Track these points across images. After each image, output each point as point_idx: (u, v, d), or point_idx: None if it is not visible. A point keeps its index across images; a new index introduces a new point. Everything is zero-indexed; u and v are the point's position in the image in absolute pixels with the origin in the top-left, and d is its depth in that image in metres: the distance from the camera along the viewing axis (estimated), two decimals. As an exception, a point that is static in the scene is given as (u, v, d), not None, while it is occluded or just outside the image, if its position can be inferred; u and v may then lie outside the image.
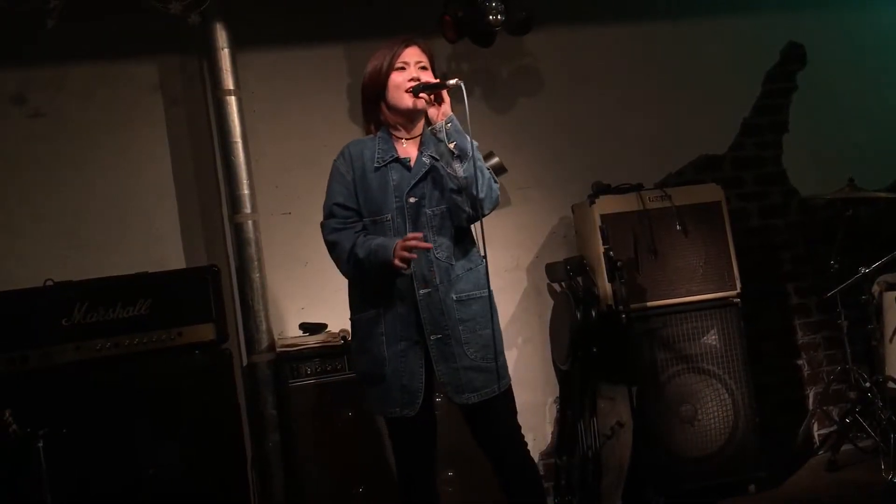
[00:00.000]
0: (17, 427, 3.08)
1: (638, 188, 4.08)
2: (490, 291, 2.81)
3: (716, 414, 3.96)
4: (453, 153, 2.67)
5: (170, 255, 3.93)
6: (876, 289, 4.12)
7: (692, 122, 4.59)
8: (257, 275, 3.84)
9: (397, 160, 2.78)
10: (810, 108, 4.78)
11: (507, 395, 2.82)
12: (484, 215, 2.73)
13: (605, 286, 3.88)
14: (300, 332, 3.92)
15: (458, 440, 3.03)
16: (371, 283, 2.77)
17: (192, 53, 4.03)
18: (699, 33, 4.64)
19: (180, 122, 4.05)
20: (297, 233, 4.10)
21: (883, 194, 4.39)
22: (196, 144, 4.06)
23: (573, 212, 4.28)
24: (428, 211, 2.76)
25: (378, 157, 2.79)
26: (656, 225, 3.99)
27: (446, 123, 2.69)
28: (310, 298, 4.07)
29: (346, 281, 4.16)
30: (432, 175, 2.77)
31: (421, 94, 2.73)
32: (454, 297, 2.74)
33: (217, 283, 3.59)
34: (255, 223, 3.88)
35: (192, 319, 3.52)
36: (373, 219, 2.77)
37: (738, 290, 4.03)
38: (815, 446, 4.48)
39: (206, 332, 3.53)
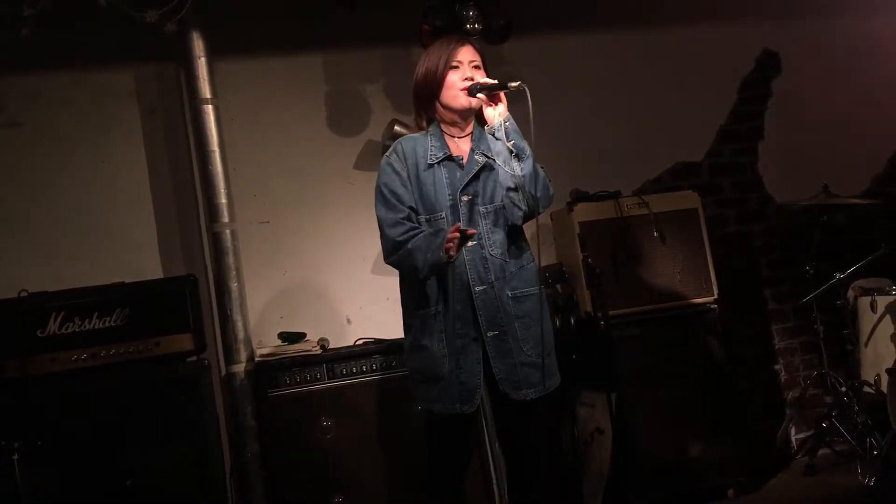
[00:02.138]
0: (-8, 440, 3.05)
1: (616, 195, 4.10)
2: (542, 290, 2.85)
3: (694, 419, 3.97)
4: (512, 151, 2.70)
5: (147, 264, 3.90)
6: (851, 294, 4.17)
7: (669, 130, 4.62)
8: (235, 284, 3.82)
9: (450, 158, 2.80)
10: (785, 115, 4.83)
11: (554, 395, 2.83)
12: (539, 213, 2.76)
13: (583, 293, 3.89)
14: (279, 342, 3.90)
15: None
16: (425, 278, 2.73)
17: (169, 62, 4.01)
18: (675, 41, 4.67)
19: (157, 131, 4.03)
20: (275, 242, 4.08)
21: (857, 200, 4.44)
22: (173, 153, 4.04)
23: (552, 219, 4.29)
24: (481, 208, 2.77)
25: (431, 155, 2.80)
26: (634, 232, 4.01)
27: (505, 122, 2.71)
28: (289, 307, 4.06)
29: (324, 290, 4.17)
30: (485, 173, 2.79)
31: (478, 94, 2.75)
32: (509, 294, 2.76)
33: (195, 292, 3.57)
34: (233, 232, 3.86)
35: (170, 329, 3.49)
36: (427, 217, 2.77)
37: (716, 296, 4.06)
38: (793, 451, 4.52)
39: (183, 342, 3.51)
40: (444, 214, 2.76)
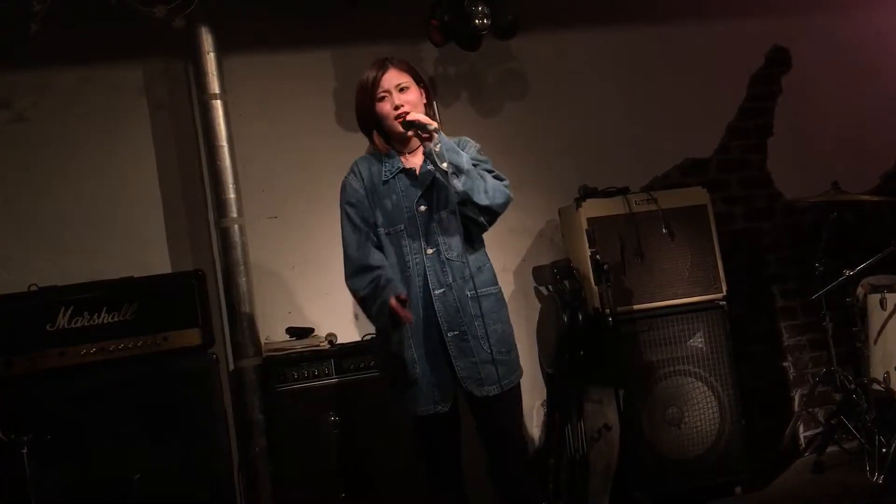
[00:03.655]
0: (2, 433, 3.06)
1: (624, 191, 4.09)
2: (500, 288, 2.96)
3: (702, 416, 3.97)
4: (446, 172, 2.76)
5: (155, 259, 3.91)
6: (860, 291, 4.14)
7: (678, 126, 4.61)
8: (243, 279, 3.82)
9: (403, 171, 2.91)
10: (795, 112, 4.81)
11: (517, 390, 2.94)
12: (497, 214, 2.86)
13: (591, 289, 3.89)
14: (287, 337, 3.91)
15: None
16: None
17: (177, 57, 4.02)
18: (684, 37, 4.66)
19: (166, 127, 4.04)
20: (283, 237, 4.09)
21: (866, 197, 4.42)
22: (182, 148, 4.04)
23: (560, 215, 4.29)
24: (435, 215, 2.86)
25: (385, 171, 2.91)
26: (642, 228, 4.00)
27: (434, 146, 2.77)
28: (296, 303, 4.07)
29: (332, 286, 4.15)
30: (438, 181, 2.86)
31: (409, 132, 2.85)
32: (468, 294, 2.84)
33: (203, 287, 3.58)
34: (241, 227, 3.86)
35: (178, 324, 3.50)
36: (388, 230, 2.88)
37: (724, 293, 4.05)
38: (801, 448, 4.50)
39: (192, 337, 3.52)
40: (402, 227, 2.87)
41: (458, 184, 2.77)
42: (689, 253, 4.04)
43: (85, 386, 3.35)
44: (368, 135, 2.97)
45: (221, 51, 3.89)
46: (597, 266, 3.80)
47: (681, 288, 4.02)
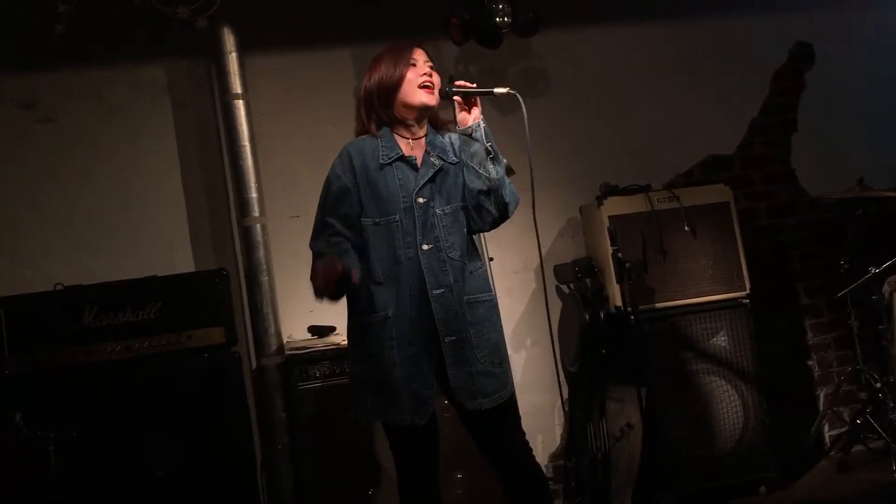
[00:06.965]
0: (28, 430, 3.09)
1: (646, 189, 4.07)
2: (493, 295, 2.79)
3: (726, 415, 3.94)
4: (489, 153, 2.66)
5: (179, 258, 3.95)
6: (886, 289, 4.09)
7: (700, 122, 4.58)
8: (266, 278, 3.84)
9: (402, 158, 2.71)
10: (819, 108, 4.76)
11: (513, 401, 2.76)
12: (506, 218, 2.76)
13: (613, 287, 3.87)
14: (309, 335, 3.93)
15: (466, 441, 3.02)
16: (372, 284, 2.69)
17: (200, 57, 4.05)
18: (707, 33, 4.63)
19: (189, 126, 4.07)
20: (305, 236, 4.03)
21: (892, 193, 4.36)
22: (204, 148, 4.07)
23: (581, 213, 4.28)
24: (438, 211, 2.69)
25: (383, 154, 2.70)
26: (665, 226, 3.98)
27: (481, 123, 2.69)
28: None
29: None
30: (440, 175, 2.72)
31: (455, 98, 2.71)
32: (466, 299, 2.68)
33: (226, 286, 3.60)
34: (263, 226, 3.89)
35: (202, 323, 3.53)
36: (377, 220, 2.67)
37: (748, 291, 4.02)
38: (826, 447, 4.46)
39: (215, 335, 3.54)
40: (397, 217, 2.66)
41: (493, 170, 2.66)
42: (711, 250, 4.02)
43: (109, 384, 3.38)
44: (382, 107, 2.73)
45: (243, 50, 3.91)
46: (619, 264, 3.79)
47: (704, 286, 3.99)
